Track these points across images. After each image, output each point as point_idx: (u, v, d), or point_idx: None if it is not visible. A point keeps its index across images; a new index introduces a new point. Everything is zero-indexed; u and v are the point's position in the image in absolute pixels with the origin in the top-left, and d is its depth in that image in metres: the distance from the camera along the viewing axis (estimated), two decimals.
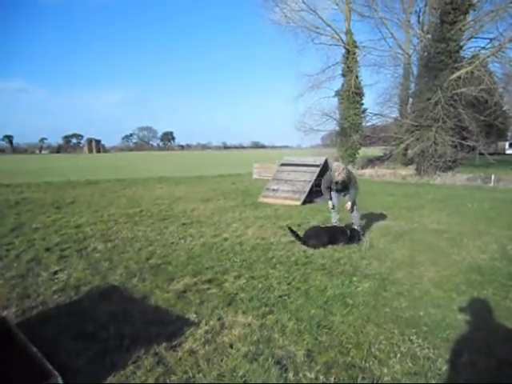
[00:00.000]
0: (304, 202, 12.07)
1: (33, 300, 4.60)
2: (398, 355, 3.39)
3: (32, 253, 6.51)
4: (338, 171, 7.12)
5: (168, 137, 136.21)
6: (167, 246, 6.95)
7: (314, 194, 12.64)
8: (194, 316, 4.12)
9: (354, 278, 5.23)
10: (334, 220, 7.78)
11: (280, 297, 4.63)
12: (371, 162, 30.25)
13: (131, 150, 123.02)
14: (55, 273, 5.54)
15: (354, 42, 28.22)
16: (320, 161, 13.46)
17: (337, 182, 7.26)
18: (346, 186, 7.39)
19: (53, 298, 4.67)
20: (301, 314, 4.14)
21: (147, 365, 3.19)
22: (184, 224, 8.86)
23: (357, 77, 27.71)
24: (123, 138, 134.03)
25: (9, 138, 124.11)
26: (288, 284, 5.05)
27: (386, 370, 3.17)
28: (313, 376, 3.07)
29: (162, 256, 6.28)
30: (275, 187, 13.12)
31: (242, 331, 3.75)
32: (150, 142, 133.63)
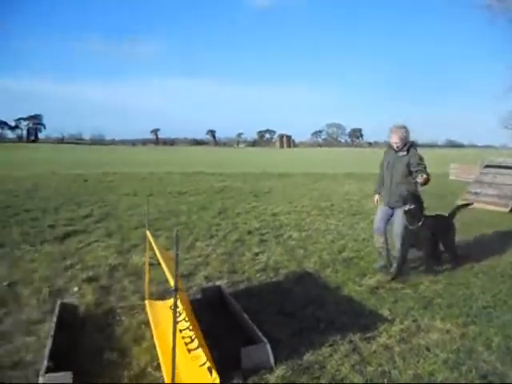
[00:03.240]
0: None
1: (239, 275, 5.22)
2: None
3: (236, 234, 7.34)
4: None
5: (356, 133, 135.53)
6: (358, 241, 7.01)
7: None
8: (388, 313, 4.09)
9: None
10: None
11: (484, 308, 4.24)
12: None
13: (319, 145, 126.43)
14: (256, 254, 6.15)
15: None
16: None
17: None
18: None
19: (256, 275, 5.22)
20: (509, 331, 3.73)
21: (343, 350, 3.32)
22: None
23: None
24: (312, 134, 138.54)
25: (212, 133, 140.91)
26: (492, 296, 4.59)
27: None
28: None
29: (355, 250, 6.36)
30: (477, 190, 11.90)
31: (440, 337, 3.58)
32: (338, 139, 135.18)
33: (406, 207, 5.03)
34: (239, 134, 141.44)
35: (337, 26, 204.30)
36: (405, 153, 5.17)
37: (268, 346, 3.08)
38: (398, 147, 5.18)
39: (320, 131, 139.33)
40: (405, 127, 5.22)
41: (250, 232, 7.55)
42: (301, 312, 4.07)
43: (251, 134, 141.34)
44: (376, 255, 5.68)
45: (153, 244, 3.63)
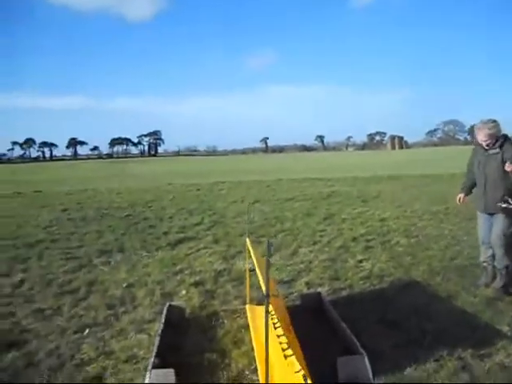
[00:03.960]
0: None
1: (341, 282, 5.11)
2: None
3: (340, 241, 7.20)
4: None
5: None
6: (475, 247, 6.37)
7: None
8: (507, 329, 3.67)
9: None
10: None
11: None
12: None
13: (435, 145, 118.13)
14: (360, 261, 5.95)
15: None
16: None
17: None
18: None
19: (358, 283, 5.06)
20: None
21: (451, 367, 3.05)
22: None
23: None
24: (427, 134, 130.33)
25: (320, 138, 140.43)
26: None
27: None
28: None
29: (470, 257, 5.83)
30: None
31: None
32: (456, 136, 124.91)
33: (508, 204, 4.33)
34: (348, 138, 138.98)
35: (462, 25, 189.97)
36: (497, 150, 4.52)
37: (366, 358, 2.96)
38: (487, 145, 4.56)
39: (435, 130, 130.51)
40: (494, 122, 4.55)
41: (354, 238, 7.36)
42: (404, 322, 3.84)
43: (361, 137, 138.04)
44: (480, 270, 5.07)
45: (250, 251, 3.72)
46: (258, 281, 4.60)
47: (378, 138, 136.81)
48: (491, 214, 4.66)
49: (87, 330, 3.92)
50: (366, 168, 29.60)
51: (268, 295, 2.56)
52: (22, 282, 5.38)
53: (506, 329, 3.67)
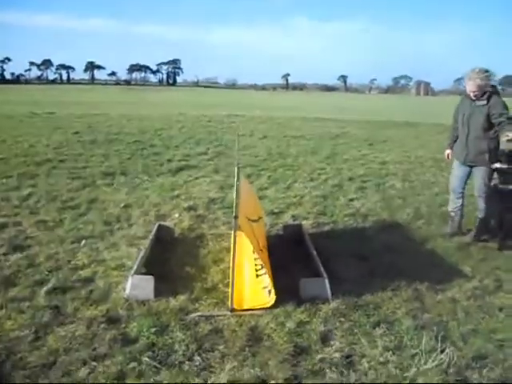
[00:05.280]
0: None
1: (327, 218, 5.37)
2: None
3: (337, 180, 7.40)
4: None
5: (510, 81, 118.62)
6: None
7: None
8: (469, 270, 3.93)
9: None
10: None
11: None
12: None
13: (461, 94, 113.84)
14: (351, 200, 6.18)
15: None
16: None
17: None
18: None
19: (343, 220, 5.32)
20: None
21: (405, 296, 3.35)
22: None
23: None
24: (455, 81, 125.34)
25: (343, 78, 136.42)
26: None
27: None
28: None
29: None
30: None
31: None
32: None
33: (497, 166, 4.38)
34: (372, 80, 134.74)
35: None
36: (484, 102, 4.39)
37: (326, 281, 3.27)
38: (475, 96, 4.44)
39: (462, 78, 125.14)
40: (486, 72, 4.39)
41: (351, 178, 7.54)
42: (375, 258, 4.13)
43: (385, 81, 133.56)
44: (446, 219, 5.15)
45: (235, 179, 3.95)
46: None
47: (403, 81, 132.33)
48: (470, 166, 4.66)
49: (84, 241, 4.29)
50: (384, 112, 29.03)
51: (236, 216, 2.82)
52: (29, 195, 5.76)
53: (467, 269, 3.93)
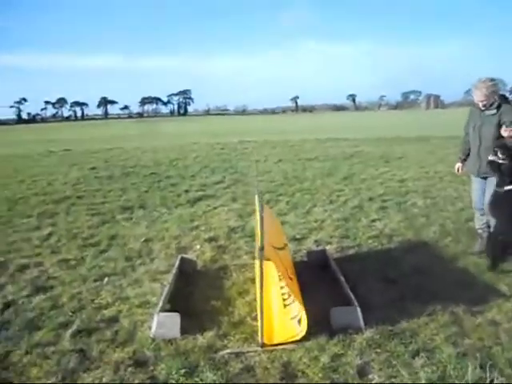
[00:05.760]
0: None
1: (351, 241, 5.24)
2: None
3: (357, 200, 7.28)
4: None
5: None
6: None
7: None
8: (506, 288, 3.75)
9: None
10: None
11: None
12: None
13: (470, 104, 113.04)
14: (373, 221, 6.05)
15: None
16: None
17: None
18: None
19: (367, 242, 5.18)
20: None
21: (441, 320, 3.19)
22: None
23: None
24: (465, 93, 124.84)
25: (352, 97, 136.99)
26: None
27: None
28: None
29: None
30: None
31: None
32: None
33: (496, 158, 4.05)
34: (381, 97, 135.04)
35: None
36: (494, 111, 4.28)
37: (358, 309, 3.14)
38: (484, 106, 4.34)
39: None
40: (492, 80, 4.29)
41: (371, 198, 7.41)
42: (404, 280, 3.98)
43: (395, 97, 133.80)
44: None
45: (256, 207, 3.88)
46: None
47: (412, 96, 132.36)
48: (485, 178, 4.50)
49: (106, 279, 4.24)
50: (394, 128, 28.90)
51: (262, 248, 2.74)
52: (49, 234, 5.77)
53: (504, 288, 3.75)
